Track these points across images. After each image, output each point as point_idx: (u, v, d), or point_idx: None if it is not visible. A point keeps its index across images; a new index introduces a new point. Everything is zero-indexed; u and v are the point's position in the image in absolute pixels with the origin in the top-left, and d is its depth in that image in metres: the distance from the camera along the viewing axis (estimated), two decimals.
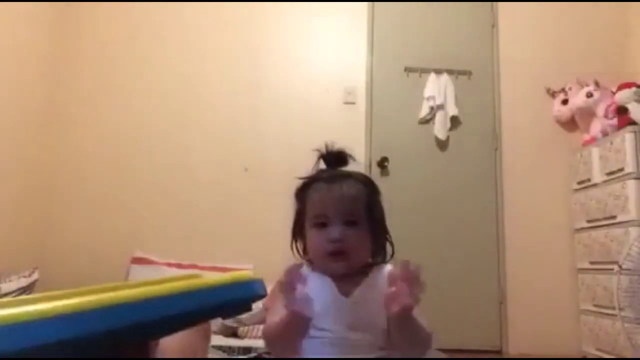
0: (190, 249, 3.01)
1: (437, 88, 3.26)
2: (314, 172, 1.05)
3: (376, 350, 0.94)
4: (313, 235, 0.99)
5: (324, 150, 1.05)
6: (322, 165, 1.07)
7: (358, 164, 1.08)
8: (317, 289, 0.96)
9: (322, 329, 0.93)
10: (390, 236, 1.06)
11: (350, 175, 1.02)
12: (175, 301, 0.63)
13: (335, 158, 1.05)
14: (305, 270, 1.01)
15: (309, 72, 3.32)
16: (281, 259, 1.08)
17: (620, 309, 2.30)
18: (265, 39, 3.34)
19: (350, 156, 1.06)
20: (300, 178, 1.04)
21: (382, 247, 1.04)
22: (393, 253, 1.05)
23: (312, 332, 0.93)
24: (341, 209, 0.97)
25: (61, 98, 3.17)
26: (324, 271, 0.99)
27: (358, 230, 0.97)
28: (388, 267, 1.02)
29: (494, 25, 3.43)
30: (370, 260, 1.03)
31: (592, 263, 2.91)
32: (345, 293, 0.96)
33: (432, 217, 3.19)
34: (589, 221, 2.96)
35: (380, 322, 0.95)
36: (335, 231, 0.96)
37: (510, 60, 3.38)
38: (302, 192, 1.03)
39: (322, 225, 0.98)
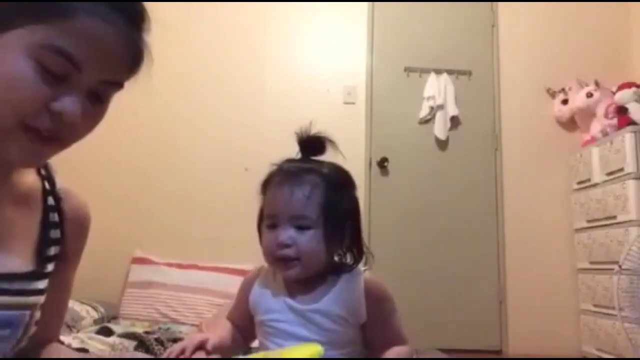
0: (191, 249, 3.01)
1: (437, 88, 3.26)
2: (281, 161, 0.95)
3: (338, 349, 0.90)
4: (264, 236, 0.92)
5: (302, 135, 0.93)
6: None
7: (338, 155, 0.95)
8: (273, 301, 0.93)
9: (281, 345, 0.89)
10: (361, 236, 0.96)
11: (312, 170, 0.91)
12: None
13: (309, 145, 0.93)
14: (263, 278, 0.97)
15: (309, 72, 3.32)
16: None
17: (620, 309, 2.30)
18: (265, 39, 3.34)
19: (330, 141, 0.93)
20: (272, 166, 0.95)
21: (351, 249, 0.94)
22: (361, 256, 0.95)
23: (268, 345, 0.91)
24: (291, 211, 0.88)
25: None
26: (280, 277, 0.94)
27: (310, 234, 0.87)
28: (363, 274, 0.93)
29: (494, 25, 3.43)
30: (337, 260, 0.94)
31: (592, 263, 2.91)
32: (307, 302, 0.90)
33: (432, 217, 3.19)
34: (589, 221, 2.96)
35: (348, 332, 0.90)
36: (283, 234, 0.88)
37: (510, 60, 3.37)
38: (264, 186, 0.94)
39: (273, 226, 0.90)
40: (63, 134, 0.61)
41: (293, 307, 0.90)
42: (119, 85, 0.65)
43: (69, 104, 0.58)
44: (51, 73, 0.57)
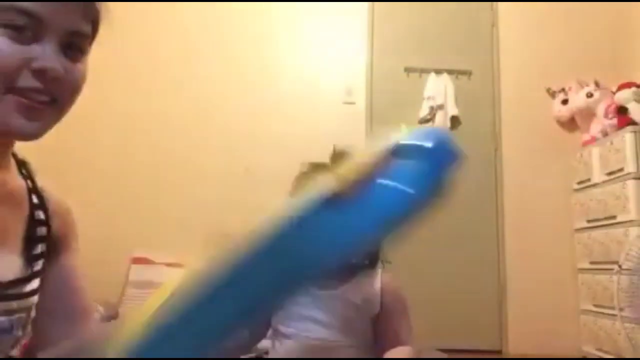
0: (191, 249, 3.01)
1: (437, 88, 3.26)
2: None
3: (348, 336, 0.94)
4: None
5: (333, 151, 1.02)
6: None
7: None
8: None
9: (296, 327, 0.93)
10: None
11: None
12: None
13: (338, 157, 1.02)
14: None
15: (309, 72, 3.32)
16: None
17: (620, 309, 2.30)
18: (264, 39, 3.34)
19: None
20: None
21: (369, 252, 1.00)
22: (377, 261, 1.03)
23: (283, 329, 0.93)
24: None
25: None
26: None
27: None
28: (380, 275, 1.01)
29: (494, 25, 3.43)
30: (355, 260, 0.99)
31: (592, 263, 2.91)
32: (326, 287, 0.96)
33: (432, 217, 3.18)
34: (589, 221, 2.96)
35: (359, 321, 0.96)
36: None
37: (510, 60, 3.37)
38: (295, 183, 1.01)
39: None
40: (53, 92, 0.64)
41: (311, 290, 0.95)
42: (85, 36, 0.67)
43: (47, 59, 0.62)
44: (18, 31, 0.60)
